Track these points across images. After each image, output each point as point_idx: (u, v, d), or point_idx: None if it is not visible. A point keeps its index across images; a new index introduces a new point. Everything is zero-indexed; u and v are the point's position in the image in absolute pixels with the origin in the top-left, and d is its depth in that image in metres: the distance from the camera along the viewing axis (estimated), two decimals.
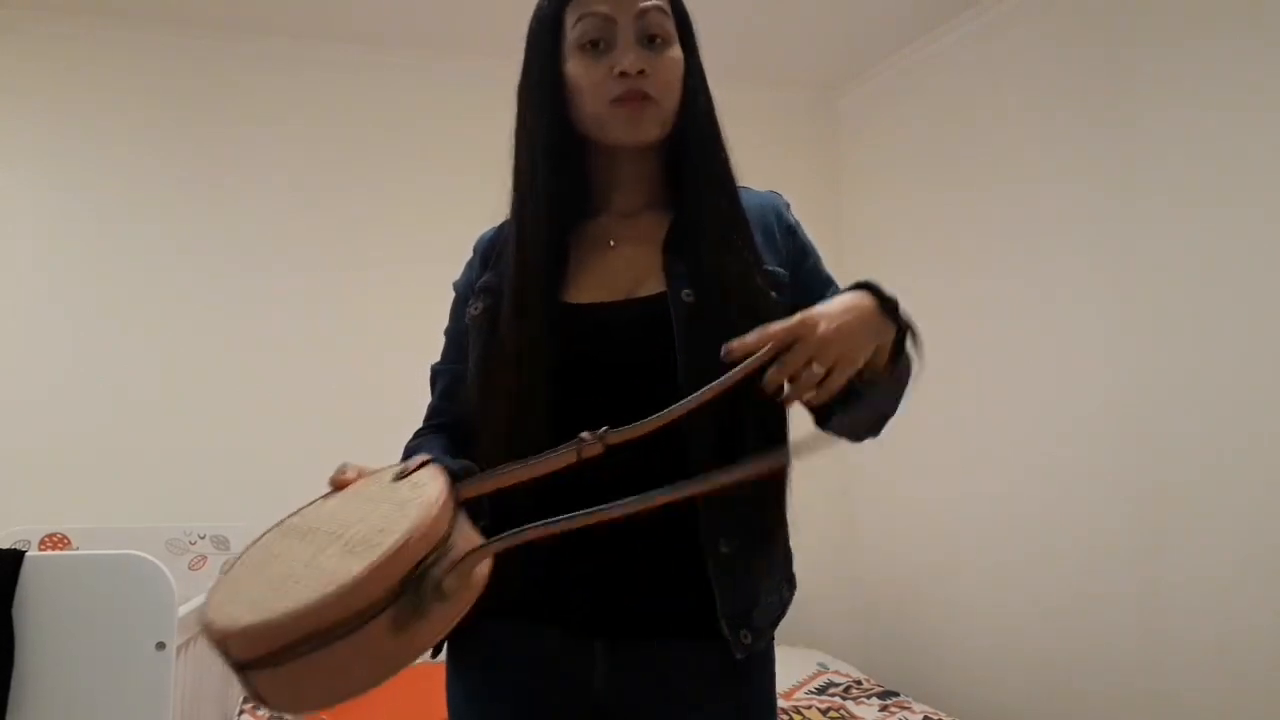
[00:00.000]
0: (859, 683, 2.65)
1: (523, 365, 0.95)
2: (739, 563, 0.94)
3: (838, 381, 0.80)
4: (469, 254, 1.13)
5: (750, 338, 0.78)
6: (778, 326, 0.78)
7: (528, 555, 0.93)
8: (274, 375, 2.94)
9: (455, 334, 1.10)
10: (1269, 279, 2.03)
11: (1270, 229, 2.03)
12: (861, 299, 0.87)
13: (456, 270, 1.15)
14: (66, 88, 2.93)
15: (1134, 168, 2.34)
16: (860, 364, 0.83)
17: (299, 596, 0.66)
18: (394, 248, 3.04)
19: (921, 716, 2.35)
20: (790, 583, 1.05)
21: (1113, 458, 2.38)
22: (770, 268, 1.00)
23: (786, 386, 0.80)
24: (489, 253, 1.08)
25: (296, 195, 3.07)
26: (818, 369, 0.79)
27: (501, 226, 1.08)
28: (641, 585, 0.96)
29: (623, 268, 1.00)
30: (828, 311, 0.81)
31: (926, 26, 3.02)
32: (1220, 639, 2.09)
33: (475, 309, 1.02)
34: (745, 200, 1.04)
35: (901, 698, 2.52)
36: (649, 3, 0.97)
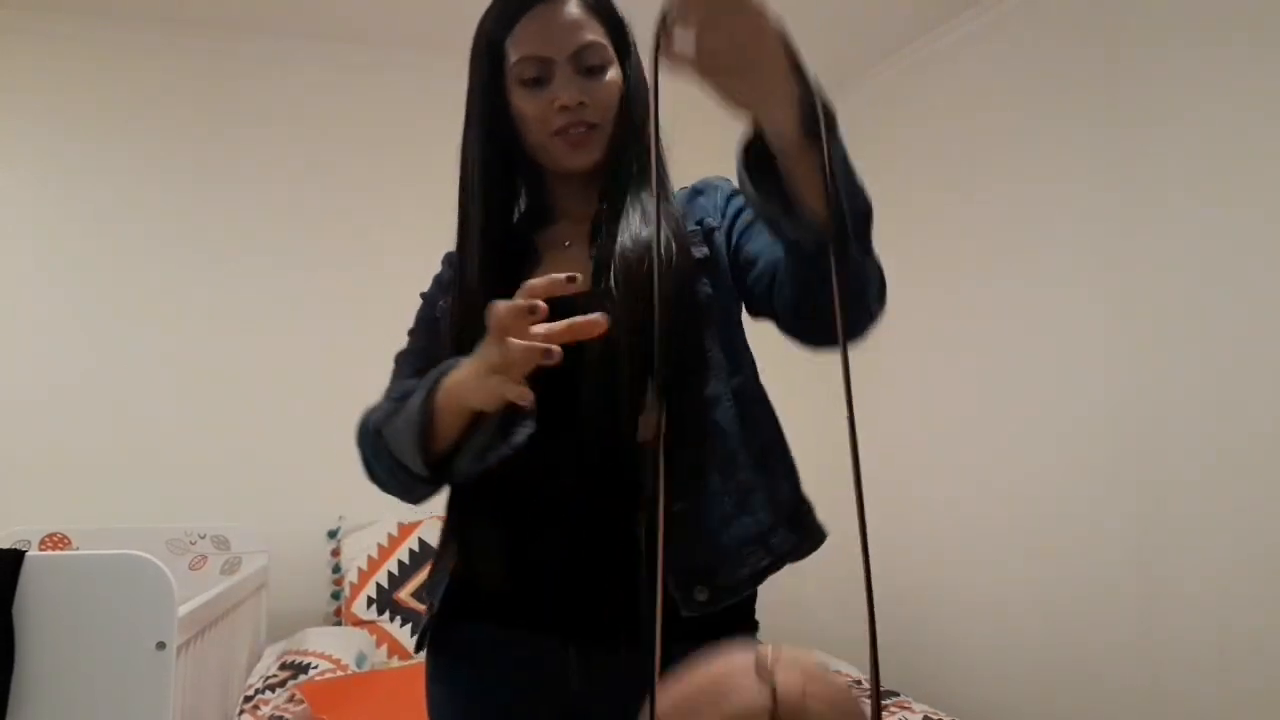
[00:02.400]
0: (859, 682, 2.65)
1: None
2: (689, 518, 0.94)
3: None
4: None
5: None
6: None
7: (498, 554, 0.96)
8: (275, 375, 2.95)
9: (417, 347, 1.13)
10: (1269, 279, 2.03)
11: (1271, 229, 2.03)
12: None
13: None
14: (67, 88, 2.93)
15: (1134, 168, 2.34)
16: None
17: None
18: (396, 248, 3.04)
19: (921, 716, 2.35)
20: (797, 527, 1.01)
21: (1112, 457, 2.38)
22: (694, 224, 1.04)
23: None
24: (448, 271, 1.14)
25: (298, 196, 3.07)
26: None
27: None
28: (605, 581, 0.96)
29: (570, 266, 1.01)
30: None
31: (926, 27, 3.02)
32: (1220, 639, 2.09)
33: (439, 304, 1.09)
34: (695, 185, 1.10)
35: (901, 697, 2.52)
36: (584, 38, 1.00)
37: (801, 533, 1.02)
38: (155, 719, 1.52)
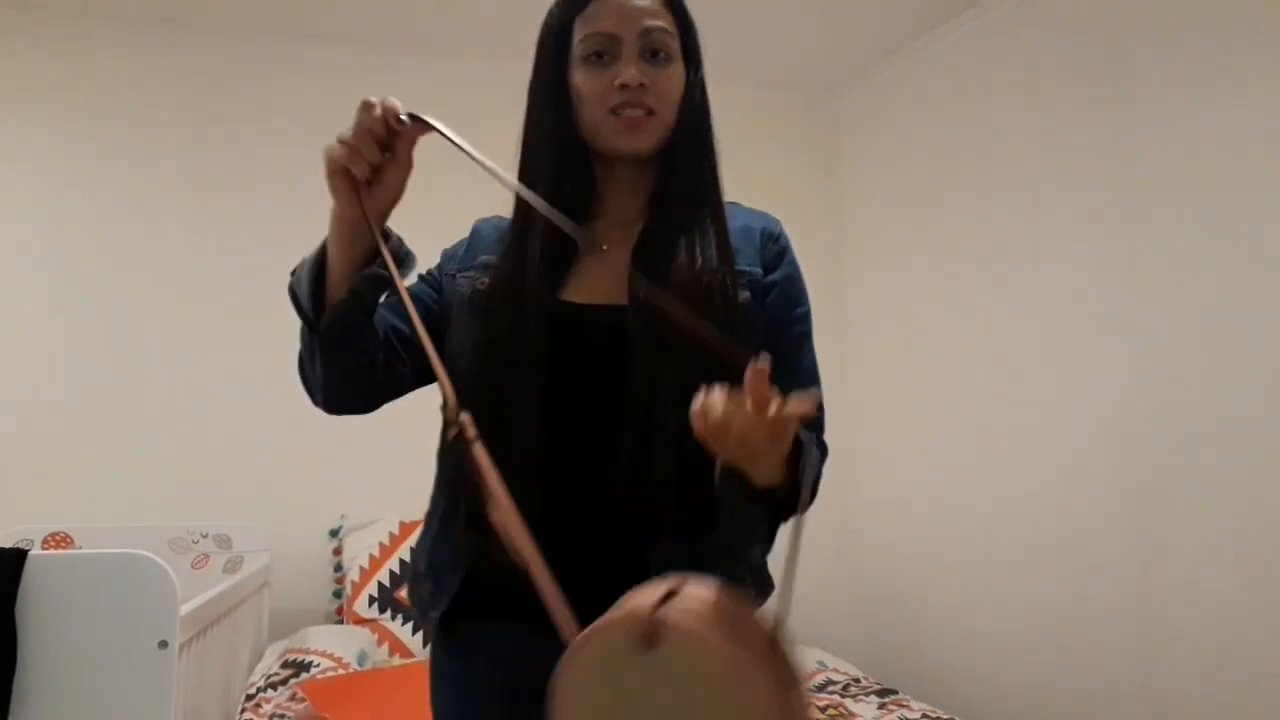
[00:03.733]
0: (857, 680, 2.65)
1: (521, 357, 0.98)
2: (682, 556, 0.95)
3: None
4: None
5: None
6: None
7: (501, 553, 0.93)
8: (277, 375, 2.94)
9: (428, 281, 1.14)
10: (1272, 282, 2.03)
11: (1274, 229, 2.03)
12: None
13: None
14: (68, 89, 2.94)
15: (1134, 170, 2.35)
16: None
17: None
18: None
19: (920, 714, 2.36)
20: (759, 583, 1.06)
21: (1112, 456, 2.38)
22: (742, 267, 1.02)
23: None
24: (481, 236, 1.13)
25: (300, 195, 3.06)
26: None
27: (505, 218, 1.11)
28: (603, 583, 0.96)
29: (606, 273, 1.03)
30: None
31: (926, 28, 3.02)
32: (1220, 640, 2.10)
33: (480, 283, 1.05)
34: (734, 213, 1.08)
35: (900, 695, 2.53)
36: (653, 22, 1.00)
37: (760, 588, 1.07)
38: (157, 718, 1.53)
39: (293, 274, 1.04)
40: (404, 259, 0.98)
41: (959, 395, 2.88)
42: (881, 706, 2.42)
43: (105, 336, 2.89)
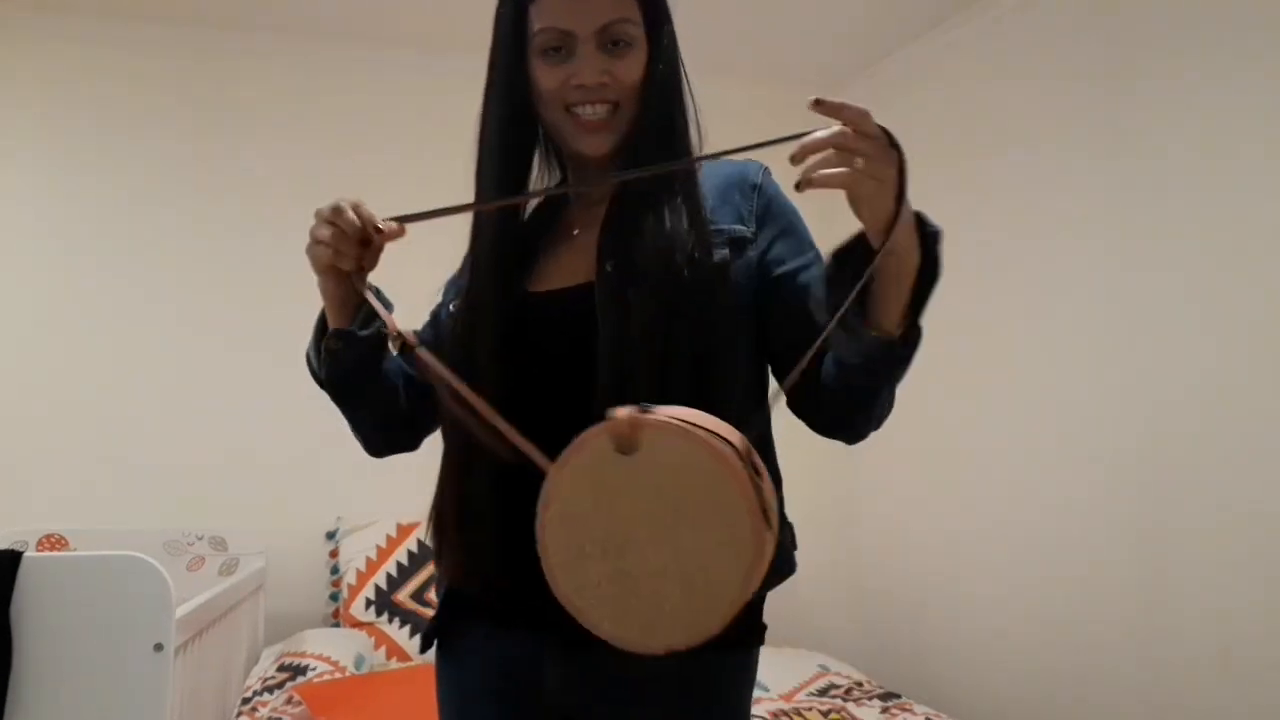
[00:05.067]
0: (860, 684, 2.64)
1: (474, 352, 0.97)
2: None
3: (862, 182, 0.73)
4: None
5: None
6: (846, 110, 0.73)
7: (494, 556, 0.95)
8: (274, 376, 2.93)
9: (425, 328, 1.16)
10: (1273, 282, 2.02)
11: (1274, 230, 2.02)
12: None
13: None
14: (69, 89, 2.93)
15: (1139, 167, 2.34)
16: (889, 199, 0.74)
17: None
18: (398, 248, 3.03)
19: (923, 718, 2.35)
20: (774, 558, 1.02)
21: (1113, 457, 2.37)
22: (720, 225, 0.97)
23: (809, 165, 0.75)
24: None
25: (301, 195, 3.05)
26: (852, 156, 0.73)
27: None
28: None
29: (579, 254, 1.00)
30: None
31: (931, 23, 3.02)
32: (1220, 641, 2.09)
33: (452, 304, 1.07)
34: (714, 170, 1.02)
35: (903, 699, 2.52)
36: (609, 18, 0.95)
37: (777, 563, 1.01)
38: None
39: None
40: (388, 306, 1.01)
41: (960, 397, 2.87)
42: (884, 711, 2.41)
43: (101, 338, 2.87)
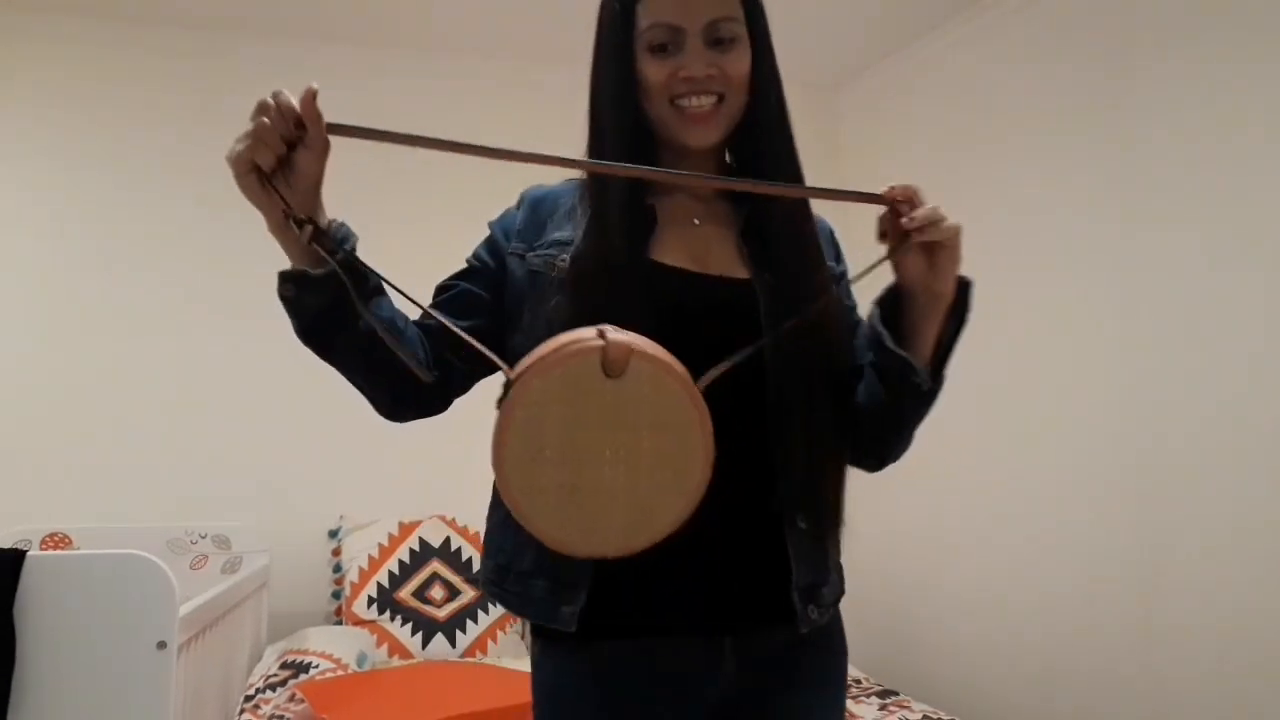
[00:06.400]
0: (858, 681, 2.65)
1: (618, 309, 0.90)
2: (812, 537, 1.01)
3: (943, 239, 0.93)
4: (468, 249, 1.13)
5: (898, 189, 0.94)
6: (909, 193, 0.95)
7: (631, 571, 0.88)
8: (276, 374, 2.94)
9: (481, 266, 1.09)
10: (1275, 280, 2.03)
11: (1277, 226, 2.03)
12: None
13: (452, 262, 1.14)
14: (70, 88, 2.93)
15: (1135, 168, 2.34)
16: (955, 261, 0.95)
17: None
18: (398, 247, 3.04)
19: (921, 715, 2.35)
20: (840, 567, 1.10)
21: (1114, 455, 2.38)
22: (829, 263, 1.09)
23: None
24: (541, 209, 1.08)
25: None
26: (935, 219, 0.93)
27: (559, 187, 1.10)
28: (736, 573, 0.99)
29: (707, 245, 1.04)
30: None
31: (928, 26, 3.02)
32: (1221, 640, 2.09)
33: (560, 259, 1.01)
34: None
35: (901, 697, 2.53)
36: (716, 14, 0.99)
37: (841, 571, 1.12)
38: (156, 719, 1.52)
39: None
40: (344, 240, 0.92)
41: (959, 396, 2.87)
42: (883, 708, 2.41)
43: (104, 338, 2.88)
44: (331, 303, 0.91)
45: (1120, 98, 2.39)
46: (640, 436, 0.77)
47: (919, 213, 0.92)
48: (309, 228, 0.87)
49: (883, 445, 1.08)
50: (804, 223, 1.06)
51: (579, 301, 0.96)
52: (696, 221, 1.06)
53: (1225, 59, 2.13)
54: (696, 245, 1.04)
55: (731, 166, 1.10)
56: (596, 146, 1.04)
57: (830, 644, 1.07)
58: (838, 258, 1.15)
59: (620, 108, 1.02)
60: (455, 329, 0.85)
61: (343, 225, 0.94)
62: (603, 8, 1.04)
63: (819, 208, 1.11)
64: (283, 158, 0.85)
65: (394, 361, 0.92)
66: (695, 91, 0.99)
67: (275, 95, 0.84)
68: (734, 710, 1.00)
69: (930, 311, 0.96)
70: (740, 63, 1.00)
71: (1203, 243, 2.17)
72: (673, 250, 1.02)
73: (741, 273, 1.02)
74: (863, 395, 1.02)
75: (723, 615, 0.98)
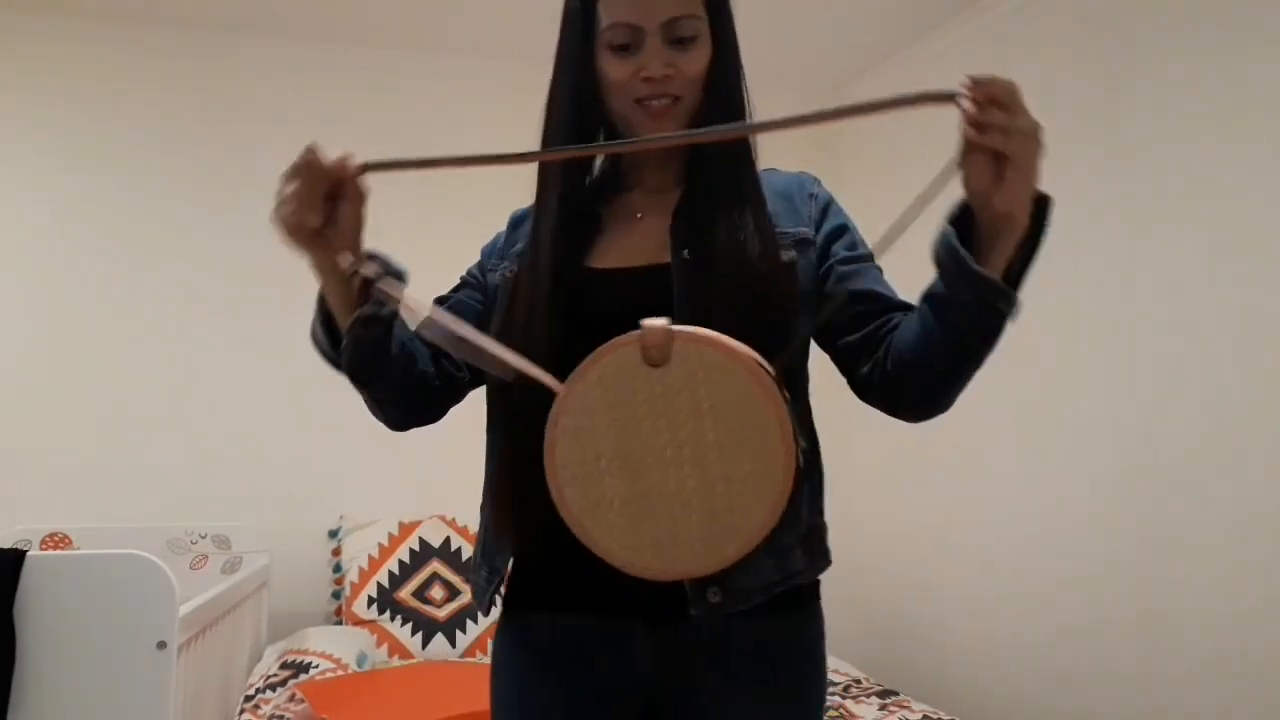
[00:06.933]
0: (858, 681, 2.65)
1: (532, 322, 0.98)
2: None
3: (1008, 150, 0.83)
4: (477, 255, 1.19)
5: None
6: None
7: (557, 549, 0.91)
8: (277, 375, 2.95)
9: (473, 281, 1.15)
10: (1274, 284, 2.03)
11: (1276, 230, 2.03)
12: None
13: (464, 269, 1.19)
14: (70, 88, 2.93)
15: (1135, 171, 2.34)
16: (1033, 173, 0.85)
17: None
18: (399, 248, 3.04)
19: (921, 715, 2.35)
20: (810, 552, 1.03)
21: (1113, 455, 2.38)
22: (785, 228, 1.04)
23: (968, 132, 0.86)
24: (519, 227, 1.13)
25: None
26: (1004, 124, 0.82)
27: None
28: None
29: (643, 238, 1.04)
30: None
31: (929, 26, 3.02)
32: (1221, 639, 2.09)
33: (508, 271, 1.07)
34: (770, 178, 1.09)
35: (901, 696, 2.52)
36: (676, 12, 0.99)
37: (811, 557, 1.04)
38: (156, 718, 1.52)
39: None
40: (398, 276, 0.96)
41: (959, 396, 2.87)
42: (883, 708, 2.41)
43: (104, 337, 2.88)
44: (384, 333, 0.96)
45: (1120, 98, 2.39)
46: (702, 426, 0.68)
47: (992, 115, 0.82)
48: (360, 277, 0.91)
49: (938, 389, 1.02)
50: (742, 192, 1.02)
51: (502, 313, 1.02)
52: (639, 215, 1.07)
53: (1225, 60, 2.13)
54: (632, 240, 1.04)
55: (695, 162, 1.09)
56: (551, 139, 1.05)
57: (782, 628, 1.01)
58: (824, 216, 1.09)
59: (577, 106, 1.03)
60: (500, 350, 0.84)
61: (388, 260, 0.96)
62: (565, 4, 1.05)
63: (802, 163, 1.10)
64: (328, 213, 0.90)
65: (415, 379, 1.01)
66: (654, 94, 0.99)
67: (308, 156, 0.90)
68: (657, 695, 1.00)
69: (998, 234, 0.88)
70: (699, 61, 1.01)
71: (1202, 243, 2.17)
72: (610, 252, 1.04)
73: (665, 258, 1.01)
74: (910, 334, 0.97)
75: (631, 599, 0.94)
